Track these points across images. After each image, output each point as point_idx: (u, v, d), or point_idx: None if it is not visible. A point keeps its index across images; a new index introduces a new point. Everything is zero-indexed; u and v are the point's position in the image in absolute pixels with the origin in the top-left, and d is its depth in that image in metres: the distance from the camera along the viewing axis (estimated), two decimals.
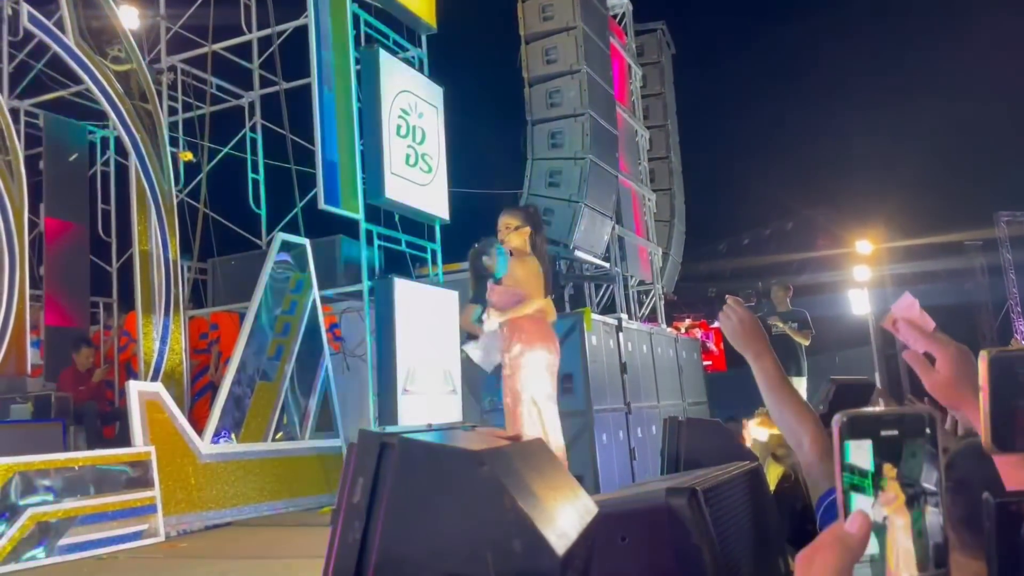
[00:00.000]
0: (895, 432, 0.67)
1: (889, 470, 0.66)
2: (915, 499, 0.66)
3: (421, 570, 0.94)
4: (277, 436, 6.51)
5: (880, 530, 0.66)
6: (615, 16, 11.33)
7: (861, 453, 0.67)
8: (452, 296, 7.67)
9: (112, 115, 6.60)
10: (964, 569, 1.18)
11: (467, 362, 5.66)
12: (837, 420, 0.68)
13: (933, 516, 0.66)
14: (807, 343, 8.92)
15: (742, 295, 9.56)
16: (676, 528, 1.45)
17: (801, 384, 8.92)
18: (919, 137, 20.83)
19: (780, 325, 8.83)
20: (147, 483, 5.20)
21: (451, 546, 0.94)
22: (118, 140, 7.27)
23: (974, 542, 1.18)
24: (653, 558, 1.45)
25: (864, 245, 16.90)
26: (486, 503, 0.93)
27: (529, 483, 1.03)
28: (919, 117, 20.73)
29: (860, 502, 0.67)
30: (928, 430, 0.67)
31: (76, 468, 4.90)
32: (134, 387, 5.45)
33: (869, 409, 0.69)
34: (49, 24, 6.21)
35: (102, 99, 6.51)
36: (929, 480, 0.66)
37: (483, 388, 5.52)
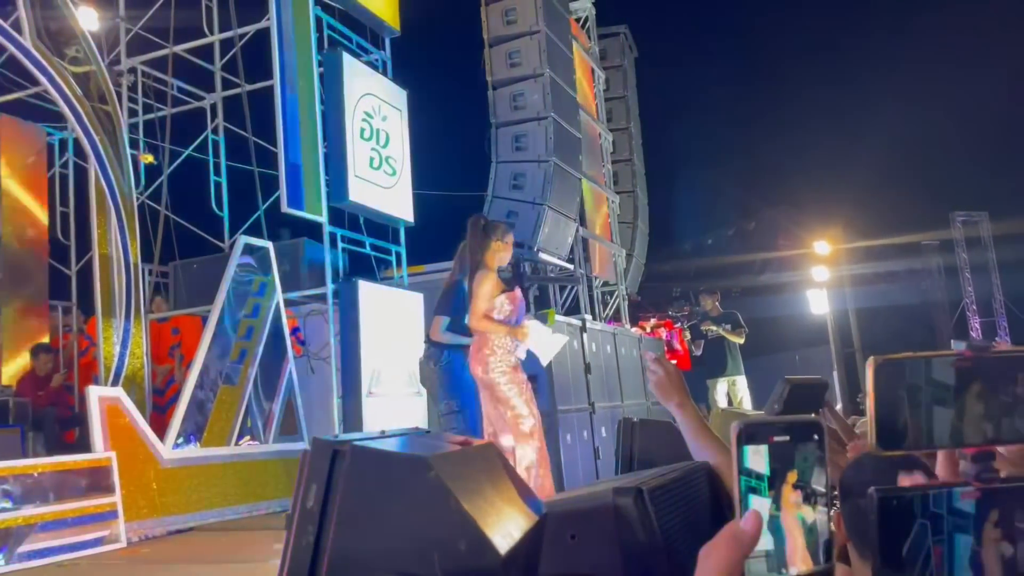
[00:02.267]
0: (787, 438, 0.74)
1: (789, 475, 0.74)
2: (807, 499, 0.73)
3: (372, 570, 0.99)
4: (245, 440, 6.49)
5: (775, 528, 0.73)
6: (578, 20, 11.43)
7: (758, 458, 0.74)
8: (417, 299, 7.70)
9: (70, 117, 6.52)
10: (860, 572, 1.26)
11: (423, 365, 5.70)
12: (734, 428, 0.75)
13: (822, 515, 0.73)
14: (742, 341, 9.29)
15: (675, 305, 10.03)
16: (623, 526, 1.51)
17: (742, 381, 9.26)
18: (876, 139, 21.21)
19: (715, 329, 9.19)
20: (108, 489, 5.16)
21: (400, 547, 0.99)
22: (77, 142, 7.19)
23: (860, 545, 1.27)
24: (600, 556, 1.51)
25: (822, 246, 17.19)
26: (433, 506, 0.98)
27: (475, 486, 1.08)
28: (876, 120, 21.13)
29: (756, 503, 0.74)
30: (816, 436, 0.75)
31: (35, 475, 4.86)
32: (94, 392, 5.41)
33: (763, 418, 0.76)
34: (6, 25, 6.13)
35: (60, 101, 6.44)
36: (819, 482, 0.73)
37: (440, 392, 5.56)
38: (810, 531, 0.74)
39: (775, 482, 0.74)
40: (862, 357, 16.29)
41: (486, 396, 4.98)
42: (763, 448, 0.74)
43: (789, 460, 0.74)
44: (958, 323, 19.71)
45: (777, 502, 0.74)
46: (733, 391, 9.24)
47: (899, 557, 0.74)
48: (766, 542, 0.74)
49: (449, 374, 5.47)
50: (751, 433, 0.75)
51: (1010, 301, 19.37)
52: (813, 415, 0.79)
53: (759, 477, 0.75)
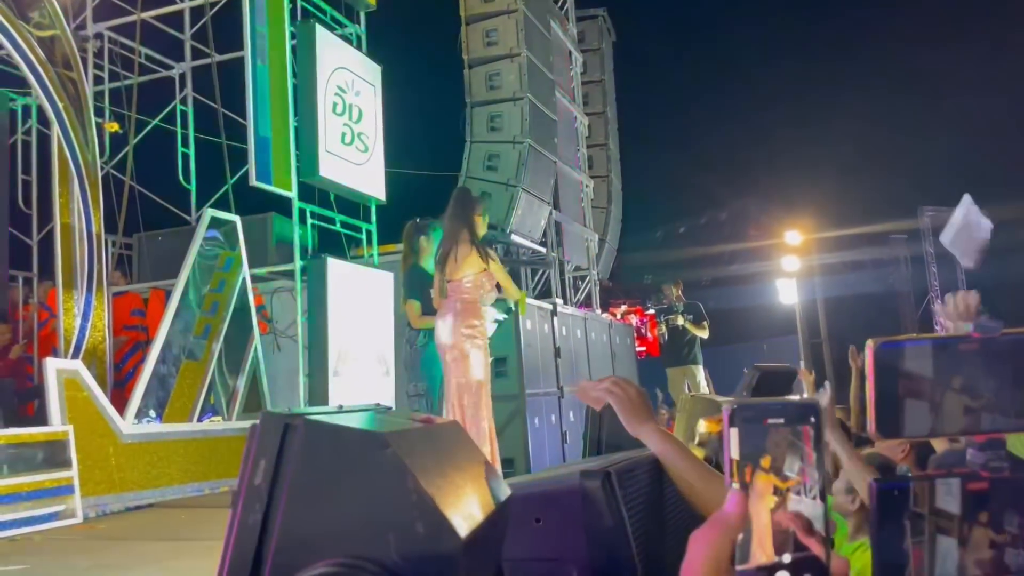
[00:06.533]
0: (781, 420, 0.68)
1: (762, 459, 0.67)
2: (779, 486, 0.67)
3: (322, 551, 0.93)
4: (216, 419, 6.38)
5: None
6: (556, 1, 11.33)
7: (734, 442, 0.68)
8: (387, 278, 7.61)
9: (33, 82, 6.34)
10: None
11: (408, 344, 5.66)
12: (726, 408, 0.69)
13: (793, 503, 0.67)
14: (706, 335, 9.48)
15: (654, 298, 10.23)
16: (589, 510, 1.47)
17: (699, 370, 9.43)
18: (848, 132, 21.40)
19: (680, 322, 9.40)
20: (65, 463, 5.05)
21: (353, 528, 0.94)
22: (40, 108, 6.99)
23: None
24: (566, 539, 1.46)
25: (794, 236, 17.30)
26: (389, 485, 0.93)
27: (435, 466, 1.03)
28: (848, 114, 21.32)
29: (736, 487, 0.68)
30: (813, 418, 0.68)
31: None
32: (51, 364, 5.28)
33: (757, 400, 0.69)
34: None
35: (23, 65, 6.24)
36: (791, 468, 0.67)
37: (412, 372, 5.53)
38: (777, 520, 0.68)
39: (743, 467, 0.68)
40: (828, 346, 16.45)
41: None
42: (734, 431, 0.69)
43: (761, 444, 0.69)
44: (923, 313, 19.99)
45: (745, 488, 0.68)
46: (693, 380, 9.39)
47: (899, 543, 0.70)
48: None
49: (422, 356, 5.43)
50: (737, 415, 0.69)
51: None
52: (811, 396, 0.72)
53: (734, 462, 0.69)
